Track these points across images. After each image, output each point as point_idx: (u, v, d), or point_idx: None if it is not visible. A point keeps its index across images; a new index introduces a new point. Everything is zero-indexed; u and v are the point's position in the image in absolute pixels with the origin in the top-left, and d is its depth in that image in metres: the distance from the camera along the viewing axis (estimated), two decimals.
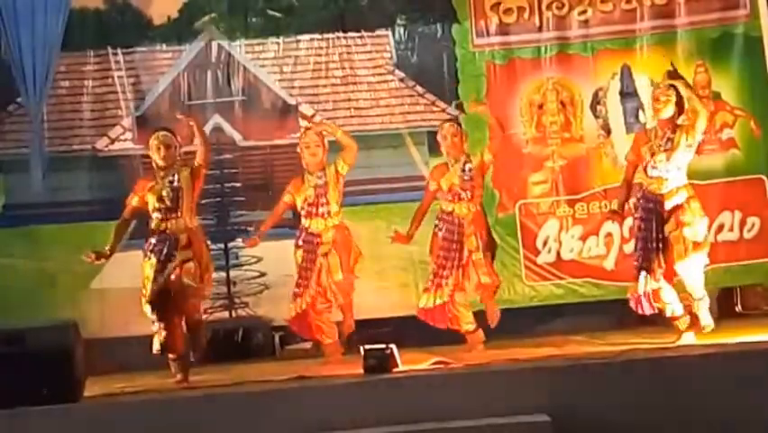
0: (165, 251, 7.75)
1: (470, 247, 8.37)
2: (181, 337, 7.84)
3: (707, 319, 7.91)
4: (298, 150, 8.54)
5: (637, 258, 7.85)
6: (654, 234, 7.75)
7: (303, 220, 8.49)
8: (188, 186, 7.86)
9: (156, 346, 7.76)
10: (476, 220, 8.46)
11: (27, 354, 6.87)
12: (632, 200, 8.04)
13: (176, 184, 7.84)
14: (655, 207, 7.77)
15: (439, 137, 8.54)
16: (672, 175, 7.76)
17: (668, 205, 7.75)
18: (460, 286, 8.37)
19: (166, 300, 7.74)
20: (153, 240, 7.83)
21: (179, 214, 7.83)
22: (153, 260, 7.78)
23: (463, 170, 8.42)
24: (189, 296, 7.83)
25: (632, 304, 7.91)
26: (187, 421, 6.68)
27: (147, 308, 7.74)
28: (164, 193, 7.83)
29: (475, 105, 9.05)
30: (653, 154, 7.79)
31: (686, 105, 7.78)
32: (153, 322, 7.73)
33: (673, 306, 7.82)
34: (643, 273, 7.75)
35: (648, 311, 7.89)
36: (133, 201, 7.96)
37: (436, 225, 8.50)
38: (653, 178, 7.79)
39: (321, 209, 8.42)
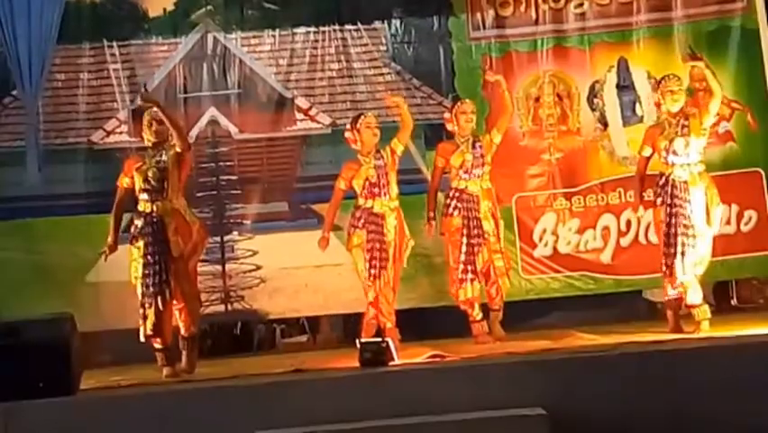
0: (152, 237, 7.73)
1: (487, 229, 8.43)
2: (170, 326, 7.80)
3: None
4: (357, 130, 8.41)
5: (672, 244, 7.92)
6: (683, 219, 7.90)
7: (363, 201, 8.39)
8: (175, 166, 7.80)
9: (143, 332, 7.75)
10: (488, 196, 8.52)
11: (23, 348, 6.86)
12: (650, 191, 8.22)
13: (162, 165, 7.81)
14: (681, 194, 7.92)
15: (453, 114, 8.54)
16: (692, 159, 7.95)
17: (693, 190, 7.92)
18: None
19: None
20: (139, 223, 7.80)
21: (165, 195, 7.79)
22: (141, 243, 7.76)
23: (474, 148, 8.49)
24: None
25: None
26: (182, 415, 6.67)
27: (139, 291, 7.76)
28: (150, 174, 7.79)
29: (492, 74, 9.00)
30: (671, 141, 7.95)
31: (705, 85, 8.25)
32: (142, 306, 7.72)
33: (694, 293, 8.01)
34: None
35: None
36: (124, 182, 7.94)
37: (448, 205, 8.51)
38: (674, 165, 7.94)
39: (383, 189, 8.38)
